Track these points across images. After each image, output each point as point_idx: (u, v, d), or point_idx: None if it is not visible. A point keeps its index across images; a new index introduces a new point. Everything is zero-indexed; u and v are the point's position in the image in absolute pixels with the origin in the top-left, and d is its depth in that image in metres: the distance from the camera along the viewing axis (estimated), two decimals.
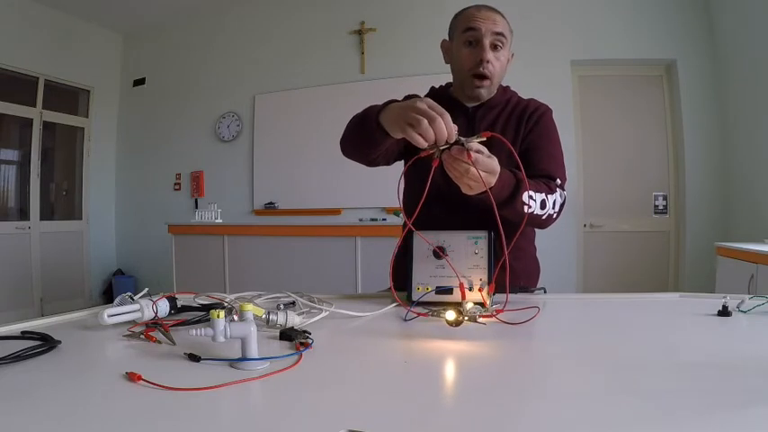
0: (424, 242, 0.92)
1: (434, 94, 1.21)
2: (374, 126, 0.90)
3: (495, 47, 1.06)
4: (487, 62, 1.06)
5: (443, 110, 0.75)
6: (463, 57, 1.09)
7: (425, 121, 0.73)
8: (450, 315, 0.73)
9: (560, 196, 1.02)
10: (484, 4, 1.10)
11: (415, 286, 0.91)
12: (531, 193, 0.94)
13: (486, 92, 1.11)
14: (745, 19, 3.15)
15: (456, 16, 1.13)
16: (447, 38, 1.17)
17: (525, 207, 0.92)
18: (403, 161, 1.21)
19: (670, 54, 3.54)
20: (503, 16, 1.09)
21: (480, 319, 0.76)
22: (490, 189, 0.83)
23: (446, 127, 0.74)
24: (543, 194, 0.97)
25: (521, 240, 1.14)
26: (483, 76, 1.07)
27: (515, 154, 0.84)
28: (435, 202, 1.05)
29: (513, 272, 1.09)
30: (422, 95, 1.22)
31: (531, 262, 1.22)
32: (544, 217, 0.99)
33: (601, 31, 3.62)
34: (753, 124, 3.11)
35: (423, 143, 0.75)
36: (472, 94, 1.11)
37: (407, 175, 1.02)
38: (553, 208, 1.00)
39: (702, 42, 3.49)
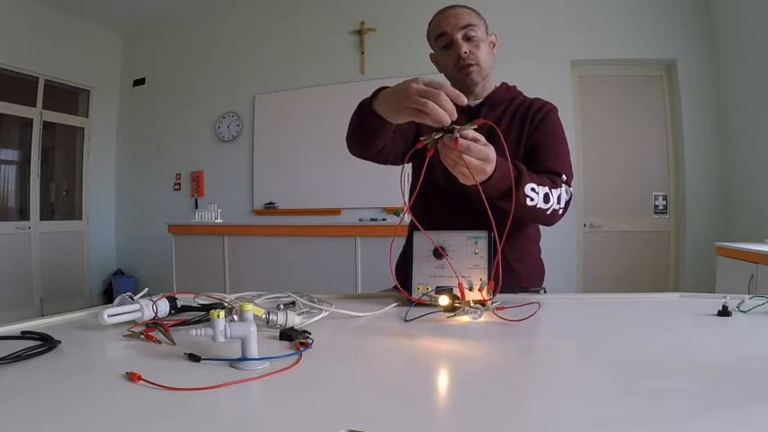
0: (423, 242, 0.92)
1: None
2: (370, 115, 0.90)
3: (468, 38, 1.09)
4: (465, 53, 1.08)
5: (440, 82, 0.75)
6: (445, 61, 1.13)
7: (431, 103, 0.72)
8: (444, 300, 0.78)
9: (566, 192, 1.00)
10: (448, 5, 1.13)
11: (415, 286, 0.91)
12: (534, 185, 0.93)
13: (479, 76, 1.11)
14: (745, 19, 3.14)
15: (427, 30, 1.16)
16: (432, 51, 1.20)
17: (527, 200, 0.91)
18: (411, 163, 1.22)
19: (670, 54, 3.54)
20: (467, 7, 1.12)
21: (474, 306, 0.77)
22: (490, 178, 0.83)
23: (452, 97, 0.73)
24: (546, 188, 0.95)
25: (523, 241, 1.14)
26: (468, 66, 1.09)
27: (504, 143, 0.83)
28: (435, 199, 1.04)
29: (515, 273, 1.09)
30: None
31: (535, 263, 1.20)
32: (549, 212, 0.96)
33: (601, 31, 3.62)
34: (753, 124, 3.11)
35: (436, 124, 0.74)
36: (466, 84, 1.12)
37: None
38: (558, 203, 0.97)
39: (702, 42, 3.49)
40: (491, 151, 0.80)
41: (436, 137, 0.77)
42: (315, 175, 4.28)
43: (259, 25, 4.59)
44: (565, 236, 3.49)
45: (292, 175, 4.37)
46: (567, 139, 1.13)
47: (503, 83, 1.20)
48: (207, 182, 4.74)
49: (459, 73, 1.11)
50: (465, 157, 0.77)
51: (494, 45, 1.15)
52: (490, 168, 0.81)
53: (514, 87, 1.21)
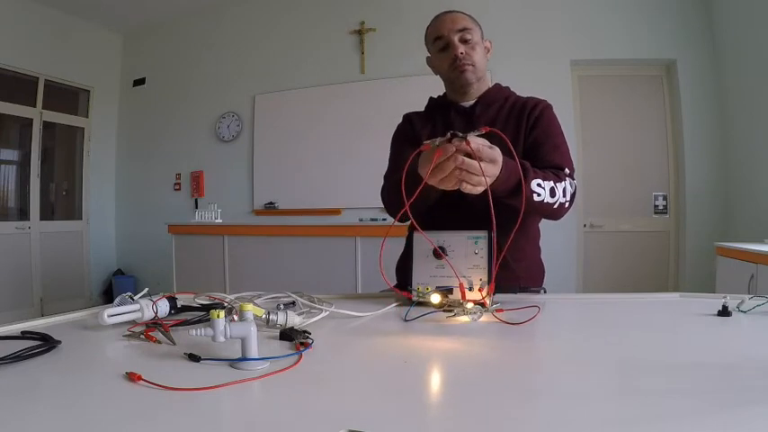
0: (424, 242, 0.92)
1: (434, 103, 1.26)
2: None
3: (464, 41, 1.12)
4: (462, 54, 1.12)
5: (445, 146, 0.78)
6: (441, 62, 1.16)
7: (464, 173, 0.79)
8: (435, 298, 0.80)
9: (570, 185, 1.03)
10: (445, 10, 1.17)
11: (416, 286, 0.91)
12: (539, 180, 0.95)
13: (473, 75, 1.14)
14: (745, 19, 3.14)
15: (425, 33, 1.19)
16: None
17: (534, 195, 0.93)
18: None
19: (670, 54, 3.54)
20: (464, 13, 1.16)
21: (471, 314, 0.76)
22: (496, 179, 0.84)
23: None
24: (552, 182, 0.98)
25: (522, 241, 1.14)
26: (463, 65, 1.13)
27: (511, 147, 0.85)
28: (437, 202, 1.04)
29: (514, 273, 1.09)
30: (422, 101, 1.28)
31: (535, 264, 1.21)
32: (555, 206, 0.99)
33: (601, 31, 3.62)
34: (753, 124, 3.11)
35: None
36: (461, 83, 1.15)
37: None
38: (564, 196, 1.00)
39: (702, 42, 3.49)
40: (497, 153, 0.82)
41: (438, 143, 0.78)
42: (315, 175, 4.27)
43: (259, 25, 4.59)
44: (565, 236, 3.49)
45: (292, 175, 4.36)
46: (564, 134, 1.15)
47: (496, 83, 1.22)
48: (207, 182, 4.74)
49: (454, 72, 1.14)
50: (469, 161, 0.77)
51: (488, 50, 1.19)
52: (496, 170, 0.83)
53: (507, 88, 1.23)
